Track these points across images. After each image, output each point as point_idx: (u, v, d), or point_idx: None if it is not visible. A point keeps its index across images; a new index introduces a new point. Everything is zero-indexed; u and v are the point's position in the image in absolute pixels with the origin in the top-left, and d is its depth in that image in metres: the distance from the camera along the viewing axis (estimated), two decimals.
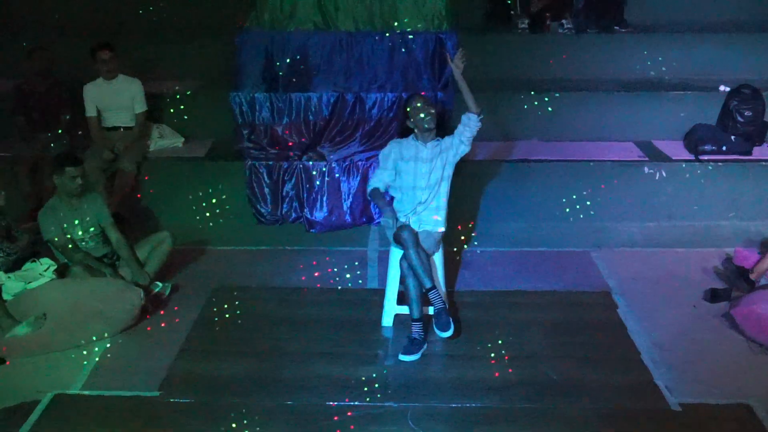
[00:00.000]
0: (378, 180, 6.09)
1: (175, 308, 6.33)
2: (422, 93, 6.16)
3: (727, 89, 8.31)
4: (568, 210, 7.74)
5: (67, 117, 7.99)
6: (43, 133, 7.87)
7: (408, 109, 5.98)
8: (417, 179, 5.96)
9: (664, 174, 7.78)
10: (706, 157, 7.89)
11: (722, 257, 6.82)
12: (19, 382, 5.31)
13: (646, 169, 7.80)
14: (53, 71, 8.05)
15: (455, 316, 5.95)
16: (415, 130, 6.02)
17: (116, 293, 5.88)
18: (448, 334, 5.60)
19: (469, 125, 6.00)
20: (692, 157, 7.93)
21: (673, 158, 7.94)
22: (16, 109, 7.97)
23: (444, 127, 7.75)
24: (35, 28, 9.17)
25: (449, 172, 6.05)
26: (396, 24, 8.58)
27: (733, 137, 7.95)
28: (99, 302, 5.78)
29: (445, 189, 6.04)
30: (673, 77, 8.94)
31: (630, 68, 9.02)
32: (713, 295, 6.29)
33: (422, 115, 5.92)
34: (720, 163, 7.84)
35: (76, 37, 8.85)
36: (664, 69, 8.98)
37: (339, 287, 6.65)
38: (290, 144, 7.95)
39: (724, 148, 7.92)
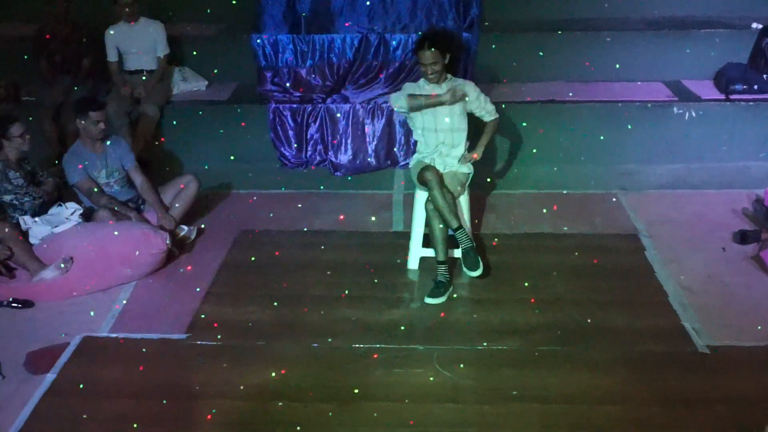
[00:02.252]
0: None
1: (201, 252, 6.36)
2: (433, 34, 5.97)
3: (760, 27, 8.13)
4: (594, 152, 7.67)
5: (90, 60, 7.95)
6: (65, 77, 7.85)
7: (417, 52, 5.83)
8: (438, 121, 5.85)
9: (693, 114, 7.67)
10: (736, 97, 7.75)
11: (752, 199, 6.72)
12: (47, 326, 5.37)
13: (675, 110, 7.68)
14: (73, 15, 7.98)
15: (481, 258, 5.91)
16: None
17: (142, 237, 5.89)
18: (478, 273, 5.57)
19: (483, 108, 5.97)
20: (723, 97, 7.79)
21: (703, 98, 7.81)
22: (38, 54, 7.94)
23: (467, 69, 7.70)
24: None
25: (466, 122, 5.94)
26: None
27: (765, 76, 7.79)
28: (125, 246, 5.80)
29: (464, 135, 5.95)
30: (703, 15, 8.76)
31: (659, 6, 8.84)
32: (743, 237, 6.21)
33: (426, 70, 5.79)
34: (751, 103, 7.70)
35: None
36: (694, 7, 8.80)
37: (364, 230, 6.64)
38: (314, 86, 7.88)
39: (755, 87, 7.76)
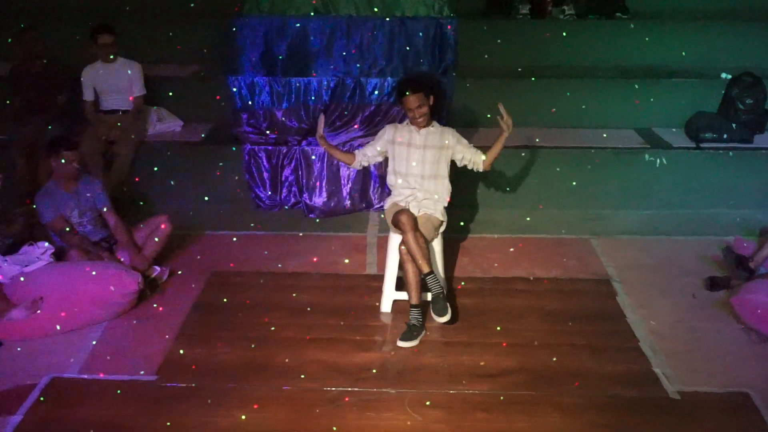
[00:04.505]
0: (361, 151, 6.14)
1: (173, 293, 6.32)
2: (413, 79, 6.08)
3: (729, 77, 8.28)
4: (567, 197, 7.74)
5: (63, 99, 7.93)
6: (39, 115, 7.81)
7: (401, 99, 5.94)
8: (409, 166, 5.93)
9: (664, 161, 7.76)
10: (706, 145, 7.87)
11: (721, 246, 6.79)
12: (15, 366, 5.30)
13: (646, 157, 7.78)
14: (47, 52, 7.97)
15: (453, 302, 5.93)
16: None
17: (113, 277, 5.85)
18: (446, 319, 5.58)
19: (473, 167, 6.09)
20: (693, 145, 7.90)
21: (674, 146, 7.92)
22: (11, 92, 7.91)
23: (440, 114, 7.78)
24: (31, 10, 9.11)
25: (444, 171, 6.02)
26: (396, 8, 8.55)
27: (734, 125, 7.93)
28: (96, 286, 5.76)
29: (442, 184, 6.01)
30: (674, 64, 8.90)
31: (631, 55, 8.99)
32: (712, 284, 6.27)
33: (414, 114, 5.87)
34: (720, 151, 7.82)
35: (74, 18, 8.81)
36: (665, 56, 8.95)
37: (337, 273, 6.63)
38: (289, 128, 7.91)
39: (725, 136, 7.90)
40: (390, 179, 6.08)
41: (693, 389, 5.06)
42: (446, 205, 6.04)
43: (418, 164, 5.93)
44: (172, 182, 7.69)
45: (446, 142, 5.94)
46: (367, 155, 6.14)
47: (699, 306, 6.09)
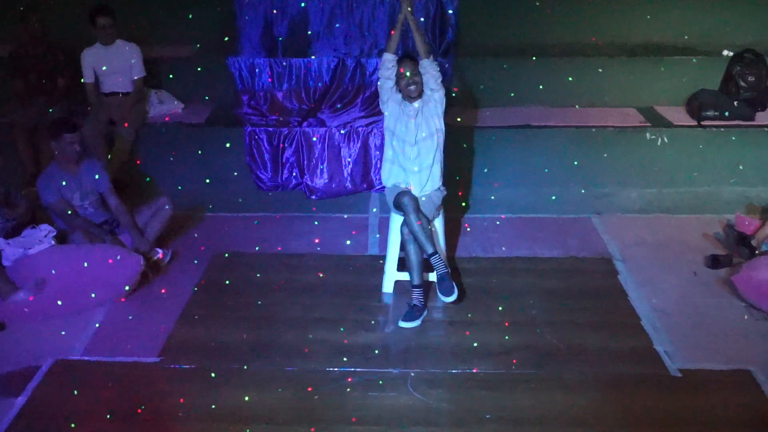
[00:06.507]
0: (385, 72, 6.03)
1: (175, 274, 6.33)
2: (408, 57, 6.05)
3: (731, 54, 8.25)
4: (569, 176, 7.73)
5: (65, 81, 7.92)
6: (40, 97, 7.81)
7: (398, 67, 5.91)
8: (407, 135, 5.89)
9: (665, 140, 7.75)
10: (708, 123, 7.85)
11: (723, 223, 6.79)
12: (19, 348, 5.32)
13: (647, 135, 7.76)
14: (48, 34, 7.96)
15: (456, 282, 5.93)
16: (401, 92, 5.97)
17: (116, 259, 5.86)
18: (452, 298, 5.60)
19: (427, 71, 5.92)
20: (694, 123, 7.88)
21: (675, 124, 7.90)
22: (13, 74, 7.90)
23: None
24: None
25: (438, 125, 5.95)
26: None
27: (735, 103, 7.90)
28: (99, 268, 5.77)
29: (436, 144, 5.95)
30: (675, 42, 8.87)
31: (632, 33, 8.95)
32: (714, 262, 6.28)
33: (409, 87, 5.85)
34: (722, 129, 7.80)
35: (73, 0, 8.78)
36: (666, 34, 8.91)
37: (339, 254, 6.64)
38: (290, 110, 7.89)
39: (726, 113, 7.87)
40: (387, 152, 6.06)
41: (695, 366, 5.08)
42: (440, 171, 6.02)
43: (413, 132, 5.88)
44: (173, 164, 7.69)
45: (425, 98, 5.91)
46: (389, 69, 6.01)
47: (701, 284, 6.10)
